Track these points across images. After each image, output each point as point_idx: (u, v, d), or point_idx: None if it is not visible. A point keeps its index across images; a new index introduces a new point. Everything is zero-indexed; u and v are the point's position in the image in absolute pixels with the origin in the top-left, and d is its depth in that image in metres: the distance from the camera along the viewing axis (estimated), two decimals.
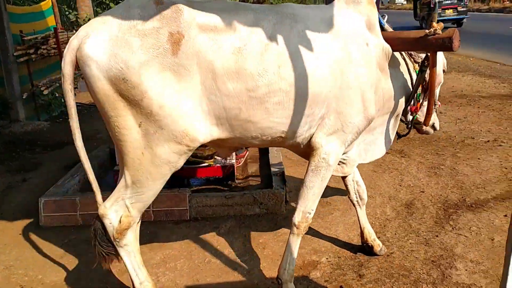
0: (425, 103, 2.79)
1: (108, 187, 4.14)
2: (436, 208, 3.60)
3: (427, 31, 2.38)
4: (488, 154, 4.67)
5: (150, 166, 2.19)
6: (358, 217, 3.06)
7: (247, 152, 4.85)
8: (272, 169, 4.09)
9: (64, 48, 6.28)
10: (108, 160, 4.72)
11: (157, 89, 2.04)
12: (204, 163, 4.09)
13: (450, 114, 6.19)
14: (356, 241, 3.19)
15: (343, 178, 3.01)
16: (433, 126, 3.04)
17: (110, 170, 4.47)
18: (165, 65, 2.04)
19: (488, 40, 13.76)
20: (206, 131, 2.20)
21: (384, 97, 2.58)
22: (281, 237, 3.27)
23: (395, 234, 3.27)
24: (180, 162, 2.28)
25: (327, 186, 3.77)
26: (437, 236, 3.21)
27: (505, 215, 3.42)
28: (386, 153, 4.80)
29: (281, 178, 3.88)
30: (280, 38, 2.21)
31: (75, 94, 6.97)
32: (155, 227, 3.49)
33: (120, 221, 2.30)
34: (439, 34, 2.35)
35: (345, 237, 3.25)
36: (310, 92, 2.25)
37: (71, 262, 3.06)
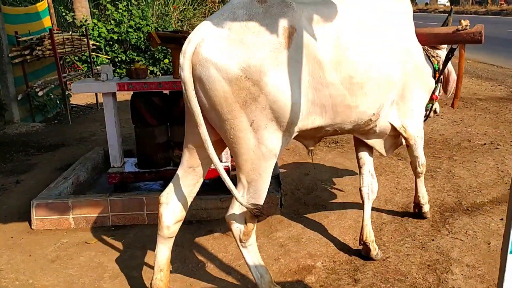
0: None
1: (102, 190, 4.14)
2: (432, 212, 3.57)
3: (459, 26, 2.82)
4: (484, 157, 4.65)
5: (262, 162, 2.22)
6: (363, 212, 3.05)
7: None
8: None
9: (60, 49, 6.22)
10: (103, 162, 4.68)
11: (272, 83, 2.09)
12: None
13: (446, 116, 6.18)
14: (352, 245, 3.17)
15: (360, 167, 3.12)
16: (435, 111, 3.51)
17: (104, 172, 4.43)
18: (280, 60, 2.10)
19: (485, 43, 13.73)
20: (309, 120, 2.33)
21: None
22: (276, 241, 3.24)
23: (391, 238, 3.24)
24: (281, 152, 2.33)
25: (324, 189, 3.76)
26: (433, 240, 3.18)
27: (502, 219, 3.40)
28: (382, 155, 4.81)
29: (276, 181, 3.84)
30: (366, 27, 2.46)
31: (70, 96, 6.93)
32: (149, 230, 3.45)
33: (246, 223, 2.34)
34: (468, 29, 2.82)
35: (341, 241, 3.22)
36: (390, 76, 2.56)
37: (63, 266, 3.02)
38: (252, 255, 2.44)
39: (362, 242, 3.01)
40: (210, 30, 2.09)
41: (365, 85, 2.41)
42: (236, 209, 2.33)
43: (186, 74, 2.07)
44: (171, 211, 2.47)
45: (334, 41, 2.28)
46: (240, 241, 2.38)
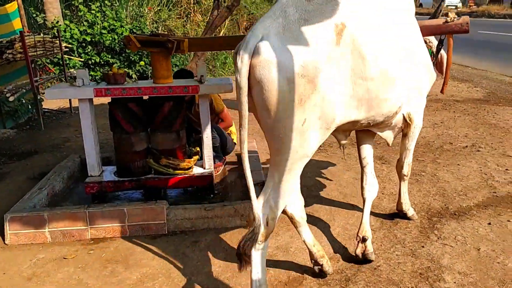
0: None
1: (79, 200, 3.96)
2: (420, 217, 3.54)
3: (447, 18, 3.15)
4: (467, 159, 4.66)
5: (299, 162, 2.29)
6: (363, 210, 3.09)
7: (225, 160, 4.71)
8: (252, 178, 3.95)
9: (31, 52, 5.94)
10: (79, 171, 4.49)
11: (324, 80, 2.15)
12: (182, 173, 3.93)
13: (427, 118, 6.19)
14: (342, 253, 3.10)
15: (363, 167, 3.17)
16: None
17: (81, 181, 4.24)
18: (331, 56, 2.17)
19: (457, 44, 13.99)
20: (346, 114, 2.37)
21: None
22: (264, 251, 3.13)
23: (381, 245, 3.18)
24: None
25: (309, 195, 3.68)
26: (423, 246, 3.14)
27: (489, 223, 3.38)
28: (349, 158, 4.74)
29: (261, 188, 3.73)
30: (395, 23, 2.60)
31: (42, 100, 6.66)
32: (131, 242, 3.30)
33: (267, 224, 2.34)
34: (456, 20, 3.13)
35: (330, 250, 3.15)
36: (412, 70, 2.70)
37: (40, 284, 2.84)
38: (261, 260, 2.41)
39: (359, 239, 2.97)
40: (266, 31, 2.10)
41: (396, 79, 2.53)
42: (260, 205, 2.34)
43: (243, 80, 2.07)
44: (295, 205, 2.65)
45: (375, 36, 2.38)
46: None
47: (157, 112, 3.74)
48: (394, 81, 2.52)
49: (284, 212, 2.58)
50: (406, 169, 3.30)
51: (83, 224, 3.36)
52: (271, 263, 3.00)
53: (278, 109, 2.11)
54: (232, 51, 2.56)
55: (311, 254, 2.83)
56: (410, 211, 3.49)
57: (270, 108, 2.12)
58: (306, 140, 2.22)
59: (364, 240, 2.96)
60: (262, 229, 2.32)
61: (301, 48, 2.08)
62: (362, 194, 3.13)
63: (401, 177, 3.37)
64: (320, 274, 2.83)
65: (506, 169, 4.35)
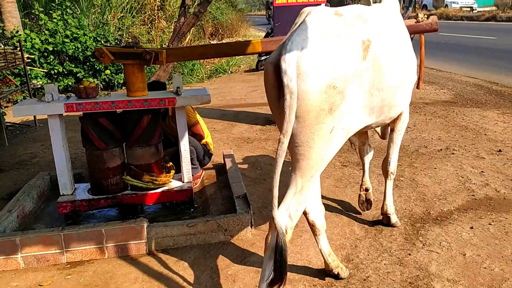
0: None
1: (52, 221, 3.76)
2: (403, 223, 3.54)
3: (418, 18, 3.50)
4: (443, 163, 4.72)
5: (321, 168, 2.43)
6: (364, 172, 3.75)
7: (203, 172, 4.59)
8: (234, 190, 3.86)
9: None
10: (49, 189, 4.28)
11: (351, 92, 2.30)
12: (159, 188, 3.80)
13: None
14: None
15: (364, 164, 3.76)
16: None
17: (52, 200, 4.04)
18: (357, 70, 2.32)
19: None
20: (362, 121, 2.54)
21: None
22: (251, 267, 3.05)
23: (368, 255, 3.15)
24: None
25: None
26: (409, 254, 3.13)
27: (471, 227, 3.41)
28: (344, 166, 4.75)
29: (244, 201, 3.66)
30: (399, 34, 2.78)
31: (4, 114, 6.32)
32: (110, 265, 3.15)
33: (286, 232, 2.37)
34: (425, 20, 3.43)
35: (319, 262, 3.09)
36: (413, 74, 2.90)
37: None
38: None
39: (363, 190, 3.63)
40: (301, 46, 2.19)
41: (403, 86, 2.75)
42: (282, 213, 2.37)
43: (295, 85, 2.15)
44: (316, 212, 2.69)
45: (390, 51, 2.55)
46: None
47: (135, 126, 3.60)
48: (402, 88, 2.75)
49: (306, 218, 2.72)
50: (393, 167, 3.36)
51: (58, 247, 3.18)
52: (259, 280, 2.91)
53: (311, 117, 2.22)
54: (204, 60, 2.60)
55: (326, 264, 2.90)
56: (393, 216, 3.49)
57: (302, 116, 2.22)
58: (331, 147, 2.37)
59: (367, 190, 3.67)
60: (289, 223, 2.40)
61: (334, 62, 2.22)
62: (363, 164, 3.76)
63: (387, 175, 3.41)
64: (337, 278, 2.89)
65: (482, 171, 4.42)
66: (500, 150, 4.95)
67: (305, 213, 2.67)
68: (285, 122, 2.16)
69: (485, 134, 5.55)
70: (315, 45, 2.21)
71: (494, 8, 27.02)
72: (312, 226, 2.77)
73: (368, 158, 3.75)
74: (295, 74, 2.15)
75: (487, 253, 3.07)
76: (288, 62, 2.15)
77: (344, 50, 2.28)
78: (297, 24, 2.34)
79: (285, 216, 2.37)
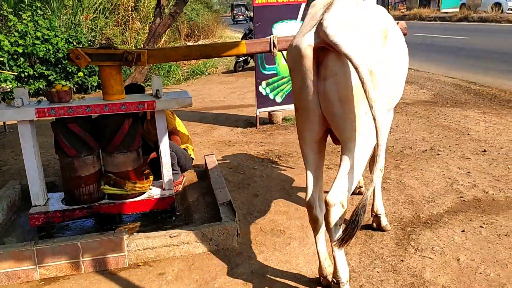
0: None
1: (24, 234, 3.52)
2: (393, 228, 3.43)
3: None
4: (429, 164, 4.65)
5: (370, 149, 2.52)
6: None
7: (184, 178, 4.41)
8: (217, 197, 3.70)
9: None
10: (20, 199, 4.03)
11: (380, 76, 2.40)
12: (138, 196, 3.61)
13: None
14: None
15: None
16: None
17: (24, 211, 3.80)
18: (381, 55, 2.44)
19: None
20: (384, 107, 2.62)
21: None
22: (239, 279, 2.89)
23: (360, 262, 3.03)
24: None
25: (278, 211, 3.51)
26: (402, 260, 3.02)
27: (463, 231, 3.33)
28: (329, 169, 4.64)
29: (229, 208, 3.49)
30: (398, 30, 2.91)
31: None
32: (87, 280, 2.94)
33: (343, 206, 2.46)
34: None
35: (309, 272, 2.95)
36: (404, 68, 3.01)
37: None
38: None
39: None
40: (340, 27, 2.24)
41: (403, 75, 2.97)
42: (337, 191, 2.43)
43: (365, 68, 2.19)
44: (321, 209, 2.64)
45: (397, 41, 2.75)
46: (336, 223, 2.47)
47: (115, 131, 3.40)
48: (404, 75, 2.99)
49: (309, 214, 2.68)
50: (383, 163, 3.35)
51: (30, 263, 2.95)
52: None
53: (356, 100, 2.30)
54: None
55: (320, 269, 2.80)
56: (383, 219, 3.41)
57: (348, 102, 2.30)
58: (371, 129, 2.37)
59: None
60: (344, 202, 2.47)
61: (367, 47, 2.32)
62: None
63: (376, 173, 3.33)
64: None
65: (468, 172, 4.37)
66: (484, 150, 4.92)
67: (310, 208, 2.64)
68: (370, 92, 2.15)
69: (468, 134, 5.53)
70: (342, 35, 2.21)
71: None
72: (314, 223, 2.69)
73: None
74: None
75: (481, 258, 2.99)
76: (344, 43, 2.17)
77: (371, 37, 2.38)
78: (318, 12, 2.40)
79: (340, 193, 2.43)
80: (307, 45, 2.29)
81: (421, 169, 4.52)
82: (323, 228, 2.70)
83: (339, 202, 2.41)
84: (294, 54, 2.37)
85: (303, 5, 6.19)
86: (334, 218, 2.43)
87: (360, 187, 4.02)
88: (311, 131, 2.49)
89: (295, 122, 2.67)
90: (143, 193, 3.62)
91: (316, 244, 2.77)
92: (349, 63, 2.20)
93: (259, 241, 3.35)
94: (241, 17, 39.27)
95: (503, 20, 21.80)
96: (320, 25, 2.24)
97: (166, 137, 3.62)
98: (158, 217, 3.73)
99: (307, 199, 2.62)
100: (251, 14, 14.47)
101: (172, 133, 4.22)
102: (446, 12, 28.07)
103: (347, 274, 2.60)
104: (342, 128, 2.39)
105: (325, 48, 2.26)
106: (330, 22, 2.22)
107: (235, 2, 43.39)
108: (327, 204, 2.41)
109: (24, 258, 2.95)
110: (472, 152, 4.92)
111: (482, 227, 3.37)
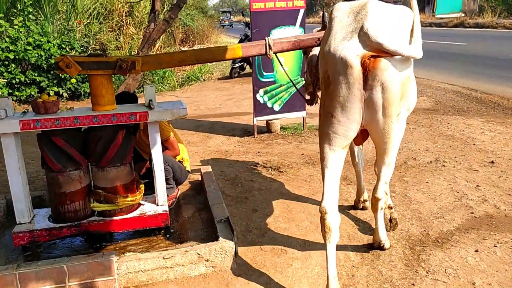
0: None
1: (7, 254, 3.28)
2: (401, 246, 3.23)
3: None
4: (434, 176, 4.46)
5: (398, 145, 2.76)
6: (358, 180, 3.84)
7: (179, 191, 4.19)
8: (214, 213, 3.48)
9: None
10: (4, 215, 3.79)
11: (412, 78, 2.62)
12: (130, 212, 3.39)
13: None
14: None
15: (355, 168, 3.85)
16: None
17: (8, 228, 3.57)
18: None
19: None
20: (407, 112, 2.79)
21: None
22: None
23: (367, 286, 2.82)
24: None
25: (278, 228, 3.37)
26: (413, 284, 2.81)
27: (476, 251, 3.13)
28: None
29: (227, 226, 3.28)
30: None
31: None
32: None
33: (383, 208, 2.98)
34: None
35: None
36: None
37: None
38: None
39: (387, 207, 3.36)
40: (379, 38, 2.33)
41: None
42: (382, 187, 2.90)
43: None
44: (336, 217, 2.63)
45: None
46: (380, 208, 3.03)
47: (108, 144, 3.18)
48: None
49: (322, 221, 2.64)
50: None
51: None
52: None
53: (396, 104, 2.44)
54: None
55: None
56: (386, 243, 3.25)
57: (389, 106, 2.43)
58: (402, 129, 2.71)
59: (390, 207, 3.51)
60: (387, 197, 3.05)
61: (407, 52, 2.37)
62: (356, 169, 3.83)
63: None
64: None
65: (477, 185, 4.18)
66: (492, 162, 4.73)
67: (323, 213, 2.61)
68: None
69: (474, 144, 5.35)
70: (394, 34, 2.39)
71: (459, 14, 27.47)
72: (326, 232, 2.62)
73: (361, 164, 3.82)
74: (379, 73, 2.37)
75: (498, 281, 2.79)
76: (399, 48, 2.31)
77: (403, 40, 2.44)
78: (351, 17, 2.47)
79: (385, 187, 2.90)
80: (355, 54, 2.34)
81: (427, 182, 4.33)
82: (335, 239, 2.63)
83: (383, 194, 2.91)
84: (337, 63, 2.39)
85: (301, 11, 6.01)
86: (381, 205, 2.98)
87: (365, 201, 3.82)
88: (345, 137, 2.54)
89: (322, 129, 2.60)
90: (136, 204, 3.40)
91: (326, 257, 2.63)
92: (394, 72, 2.37)
93: (259, 261, 3.14)
94: (226, 22, 45.40)
95: (500, 26, 21.78)
96: (365, 34, 2.33)
97: (159, 150, 3.40)
98: (151, 234, 3.51)
99: (322, 204, 2.61)
100: (246, 19, 14.26)
101: (167, 139, 4.01)
102: (442, 18, 28.11)
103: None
104: (382, 132, 2.55)
105: (374, 57, 2.34)
106: (376, 32, 2.32)
107: (221, 9, 53.83)
108: (376, 199, 2.92)
109: (5, 284, 2.72)
110: (479, 163, 4.73)
111: (496, 246, 3.17)
